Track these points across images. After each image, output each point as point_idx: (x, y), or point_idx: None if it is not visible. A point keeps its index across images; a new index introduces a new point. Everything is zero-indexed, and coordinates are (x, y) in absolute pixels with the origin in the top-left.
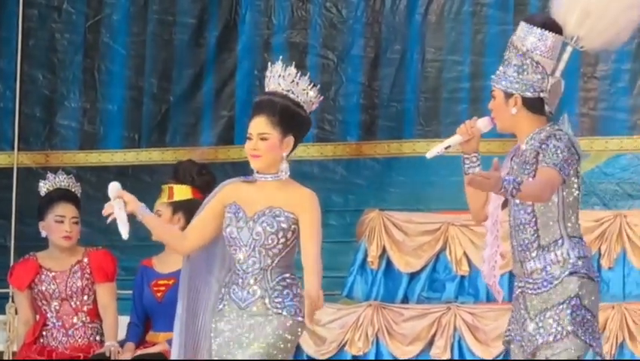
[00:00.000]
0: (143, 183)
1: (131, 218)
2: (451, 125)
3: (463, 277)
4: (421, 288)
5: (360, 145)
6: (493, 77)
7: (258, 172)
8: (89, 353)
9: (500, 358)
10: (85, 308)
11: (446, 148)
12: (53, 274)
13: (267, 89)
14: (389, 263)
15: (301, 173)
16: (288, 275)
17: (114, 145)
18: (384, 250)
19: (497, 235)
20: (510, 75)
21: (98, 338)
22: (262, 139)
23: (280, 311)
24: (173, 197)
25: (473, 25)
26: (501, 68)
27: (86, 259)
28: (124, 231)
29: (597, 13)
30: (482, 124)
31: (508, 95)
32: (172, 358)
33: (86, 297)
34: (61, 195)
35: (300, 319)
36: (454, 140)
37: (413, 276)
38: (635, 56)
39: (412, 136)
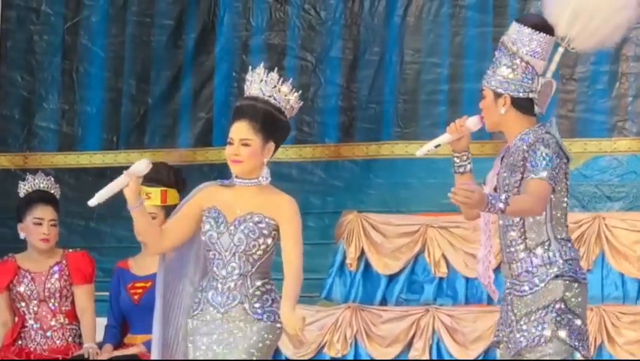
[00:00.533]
0: None
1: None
2: (430, 128)
3: (441, 278)
4: (400, 290)
5: (338, 147)
6: (484, 75)
7: (237, 177)
8: (67, 354)
9: (479, 359)
10: (63, 310)
11: (436, 147)
12: (32, 275)
13: (247, 93)
14: (367, 265)
15: (279, 175)
16: (266, 280)
17: (93, 147)
18: (362, 252)
19: (490, 235)
20: (500, 75)
21: (76, 339)
22: (244, 145)
23: (260, 317)
24: (166, 201)
25: (452, 27)
26: (491, 67)
27: (64, 261)
28: (96, 199)
29: (587, 14)
30: (472, 123)
31: (498, 95)
32: (152, 358)
33: (64, 299)
34: (39, 197)
35: (279, 325)
36: (444, 138)
37: (392, 278)
38: (613, 57)
39: (391, 138)
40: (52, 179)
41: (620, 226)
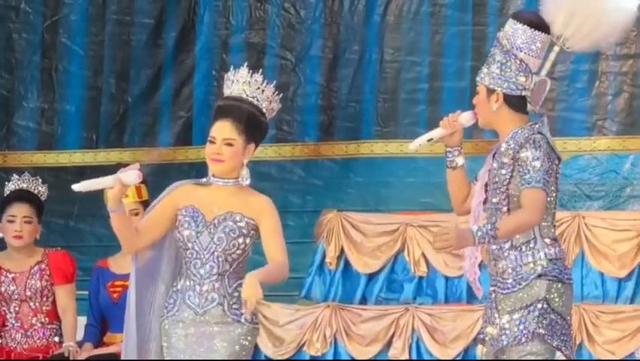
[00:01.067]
0: None
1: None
2: (410, 126)
3: (421, 277)
4: (380, 289)
5: (318, 146)
6: (479, 71)
7: (214, 176)
8: (47, 353)
9: (459, 359)
10: (44, 309)
11: (428, 140)
12: (13, 275)
13: (229, 93)
14: (347, 264)
15: (259, 174)
16: (242, 281)
17: (72, 145)
18: (342, 251)
19: None
20: (493, 71)
21: (56, 338)
22: (227, 144)
23: (239, 319)
24: (142, 196)
25: (432, 26)
26: (486, 63)
27: (45, 261)
28: (81, 186)
29: (583, 14)
30: (465, 118)
31: (490, 91)
32: (123, 358)
33: (45, 298)
34: (16, 195)
35: (256, 325)
36: (437, 133)
37: (371, 277)
38: (593, 57)
39: (370, 137)
40: (39, 180)
41: (599, 225)
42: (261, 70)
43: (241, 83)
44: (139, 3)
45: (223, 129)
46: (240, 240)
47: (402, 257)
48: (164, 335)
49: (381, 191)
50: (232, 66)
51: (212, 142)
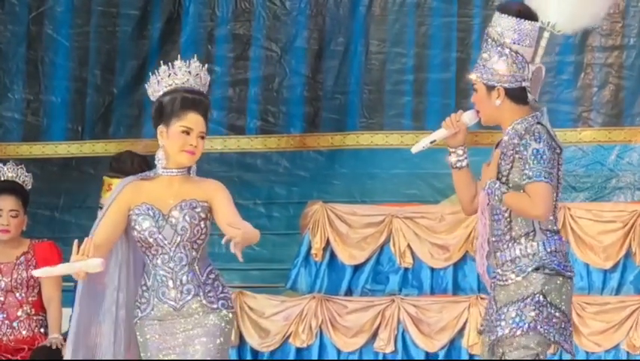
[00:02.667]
0: (87, 175)
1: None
2: (395, 118)
3: (406, 269)
4: (365, 280)
5: (303, 137)
6: (474, 69)
7: (165, 168)
8: (33, 345)
9: (444, 350)
10: (30, 300)
11: (432, 142)
12: None
13: (188, 85)
14: (333, 255)
15: (244, 165)
16: (212, 267)
17: (58, 137)
18: (327, 243)
19: (485, 223)
20: (490, 67)
21: (42, 330)
22: (201, 137)
23: (216, 306)
24: None
25: (417, 18)
26: (480, 60)
27: (31, 251)
28: (41, 271)
29: None
30: (468, 117)
31: (490, 88)
32: (66, 358)
33: (31, 289)
34: (2, 187)
35: (232, 310)
36: (440, 134)
37: (357, 268)
38: (579, 48)
39: (356, 128)
40: (24, 168)
41: (585, 217)
42: (244, 61)
43: (194, 75)
44: None
45: (198, 122)
46: (202, 224)
47: (387, 249)
48: (140, 336)
49: (366, 182)
50: (186, 56)
51: (187, 133)
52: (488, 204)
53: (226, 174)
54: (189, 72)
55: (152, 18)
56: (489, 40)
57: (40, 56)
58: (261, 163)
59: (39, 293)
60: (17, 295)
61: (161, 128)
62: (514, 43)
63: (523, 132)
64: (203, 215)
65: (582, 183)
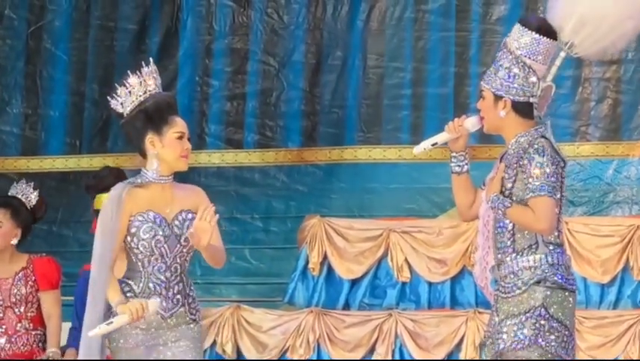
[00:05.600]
0: (84, 189)
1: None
2: (393, 132)
3: (404, 283)
4: (363, 294)
5: (301, 151)
6: (483, 75)
7: (160, 175)
8: (31, 359)
9: None
10: (28, 315)
11: (433, 145)
12: None
13: (155, 90)
14: (330, 270)
15: (242, 179)
16: (189, 279)
17: (56, 151)
18: (325, 257)
19: (488, 236)
20: (501, 77)
21: (40, 344)
22: (189, 139)
23: (195, 318)
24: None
25: (415, 32)
26: (492, 68)
27: (30, 267)
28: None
29: (594, 22)
30: (470, 123)
31: (498, 98)
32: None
33: (29, 304)
34: None
35: (202, 321)
36: (442, 137)
37: (354, 282)
38: (577, 62)
39: (353, 142)
40: (30, 186)
41: (583, 231)
42: (242, 75)
43: (157, 78)
44: (122, 9)
45: (184, 125)
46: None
47: (385, 263)
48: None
49: (364, 197)
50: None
51: (181, 138)
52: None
53: (224, 188)
54: (155, 77)
55: (149, 32)
56: (504, 49)
57: (38, 70)
58: (258, 177)
59: (38, 308)
60: (16, 310)
61: (151, 137)
62: (528, 58)
63: (527, 146)
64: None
65: (580, 197)
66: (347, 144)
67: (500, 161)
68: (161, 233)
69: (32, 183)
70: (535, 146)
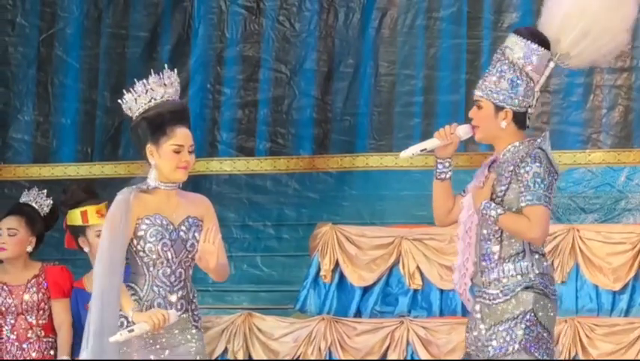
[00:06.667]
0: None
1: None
2: (404, 139)
3: (416, 291)
4: (374, 302)
5: (313, 159)
6: (480, 85)
7: (162, 182)
8: None
9: None
10: (40, 323)
11: (422, 150)
12: (9, 288)
13: (167, 98)
14: (342, 277)
15: (254, 187)
16: (192, 284)
17: (67, 159)
18: (337, 264)
19: (470, 243)
20: (504, 88)
21: (52, 352)
22: (191, 152)
23: (197, 325)
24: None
25: (426, 39)
26: (492, 78)
27: (42, 275)
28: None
29: (594, 35)
30: (462, 131)
31: (499, 108)
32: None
33: (41, 312)
34: (10, 208)
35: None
36: (432, 143)
37: (366, 290)
38: (588, 70)
39: (365, 150)
40: (43, 194)
41: (594, 238)
42: (253, 83)
43: (169, 85)
44: (134, 16)
45: (187, 137)
46: (199, 242)
47: (397, 270)
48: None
49: (376, 204)
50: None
51: (179, 151)
52: (478, 224)
53: (236, 196)
54: (165, 84)
55: (161, 40)
56: (504, 60)
57: (50, 77)
58: (270, 185)
59: (49, 316)
60: (27, 317)
61: (150, 147)
62: (531, 69)
63: (523, 155)
64: (199, 233)
65: (591, 204)
66: (359, 152)
67: (489, 168)
68: (167, 237)
69: (45, 191)
70: (533, 155)
